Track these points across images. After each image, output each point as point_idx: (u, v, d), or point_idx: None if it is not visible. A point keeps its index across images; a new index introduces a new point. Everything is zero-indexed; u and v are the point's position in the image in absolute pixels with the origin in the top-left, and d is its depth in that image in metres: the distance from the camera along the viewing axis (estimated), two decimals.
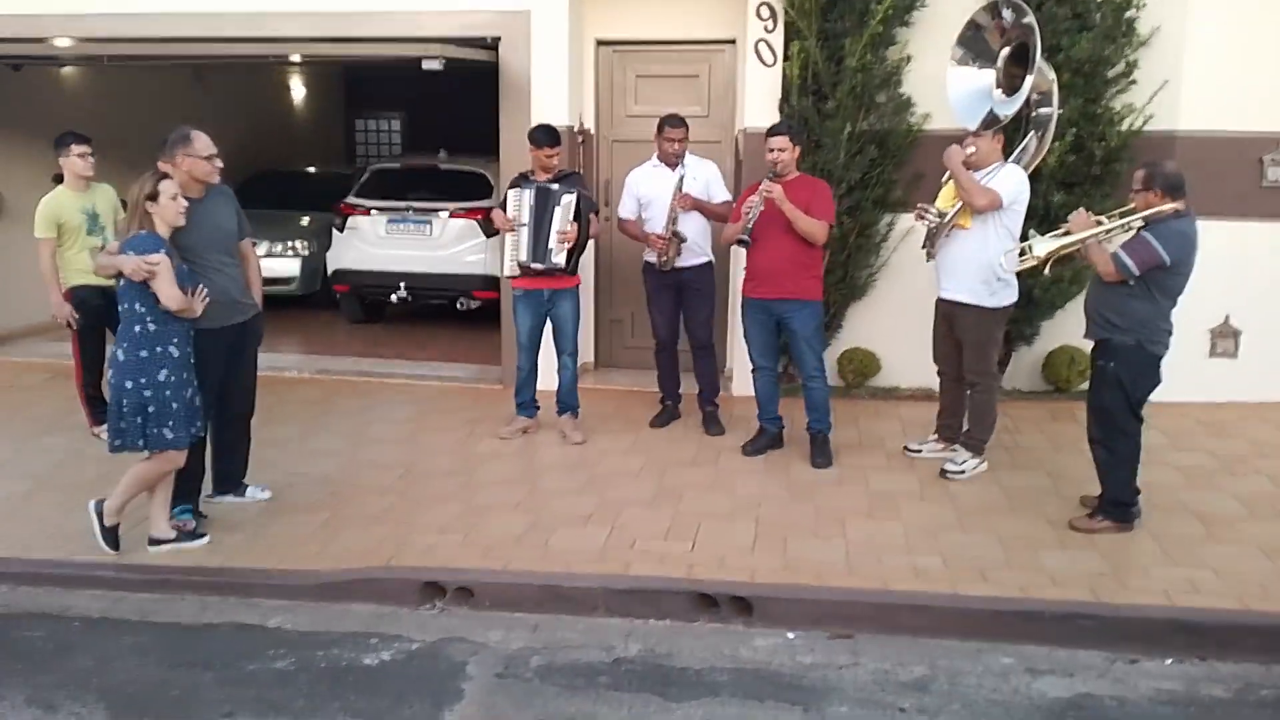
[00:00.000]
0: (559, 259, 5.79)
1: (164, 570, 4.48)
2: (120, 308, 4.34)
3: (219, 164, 4.61)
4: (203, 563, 4.51)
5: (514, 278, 5.93)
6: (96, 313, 5.82)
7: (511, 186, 5.95)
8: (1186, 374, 6.49)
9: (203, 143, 4.53)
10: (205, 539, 4.67)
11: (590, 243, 6.12)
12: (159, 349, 4.32)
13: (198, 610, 4.27)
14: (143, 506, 4.60)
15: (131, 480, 4.49)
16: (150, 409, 4.31)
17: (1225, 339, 6.56)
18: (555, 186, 5.79)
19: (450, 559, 4.48)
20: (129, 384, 4.29)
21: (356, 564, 4.45)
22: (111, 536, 4.54)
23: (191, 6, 7.13)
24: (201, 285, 4.41)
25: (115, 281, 4.39)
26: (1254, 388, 6.50)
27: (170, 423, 4.35)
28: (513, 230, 5.80)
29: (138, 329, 4.30)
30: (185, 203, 4.34)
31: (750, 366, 5.82)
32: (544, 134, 5.87)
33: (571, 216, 5.76)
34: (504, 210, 5.87)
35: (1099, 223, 4.61)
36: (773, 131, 5.50)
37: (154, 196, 4.26)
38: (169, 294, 4.24)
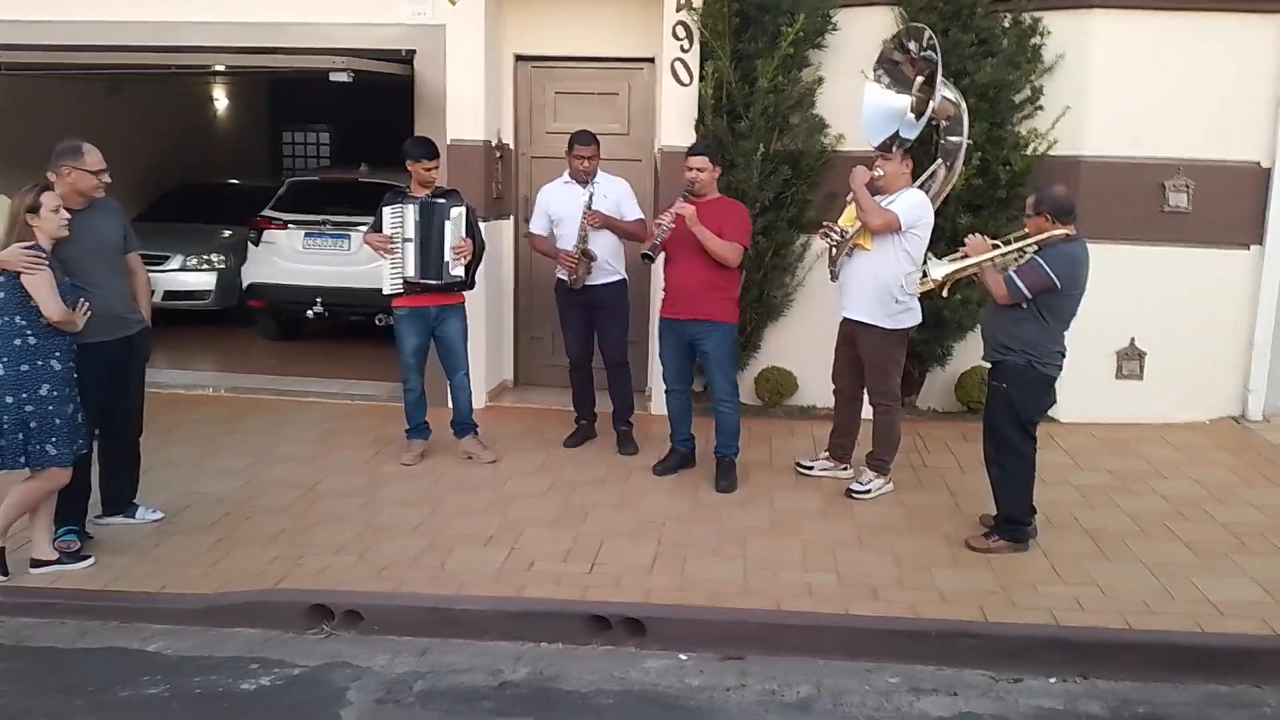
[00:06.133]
0: (458, 271, 5.69)
1: (44, 593, 4.34)
2: (0, 320, 4.21)
3: (106, 179, 4.51)
4: (85, 585, 4.38)
5: (397, 296, 5.76)
6: None
7: (386, 204, 5.75)
8: (1093, 395, 6.64)
9: (94, 158, 4.44)
10: (90, 561, 4.54)
11: (510, 258, 6.02)
12: (40, 363, 4.22)
13: (76, 634, 4.14)
14: (29, 527, 4.44)
15: (14, 501, 4.35)
16: (32, 424, 4.21)
17: (1130, 361, 6.69)
18: (440, 201, 5.68)
19: (342, 581, 4.40)
20: (9, 399, 4.18)
21: (245, 586, 4.35)
22: None
23: (100, 14, 6.96)
24: (83, 300, 4.30)
25: None
26: (1158, 408, 6.62)
27: (54, 439, 4.26)
28: (390, 250, 5.64)
29: (18, 342, 4.20)
30: (68, 215, 4.25)
31: (664, 387, 5.80)
32: (421, 147, 5.70)
33: (464, 230, 5.68)
34: (377, 230, 5.68)
35: (995, 246, 4.68)
36: (692, 151, 5.51)
37: (35, 209, 4.18)
38: (50, 304, 4.14)
